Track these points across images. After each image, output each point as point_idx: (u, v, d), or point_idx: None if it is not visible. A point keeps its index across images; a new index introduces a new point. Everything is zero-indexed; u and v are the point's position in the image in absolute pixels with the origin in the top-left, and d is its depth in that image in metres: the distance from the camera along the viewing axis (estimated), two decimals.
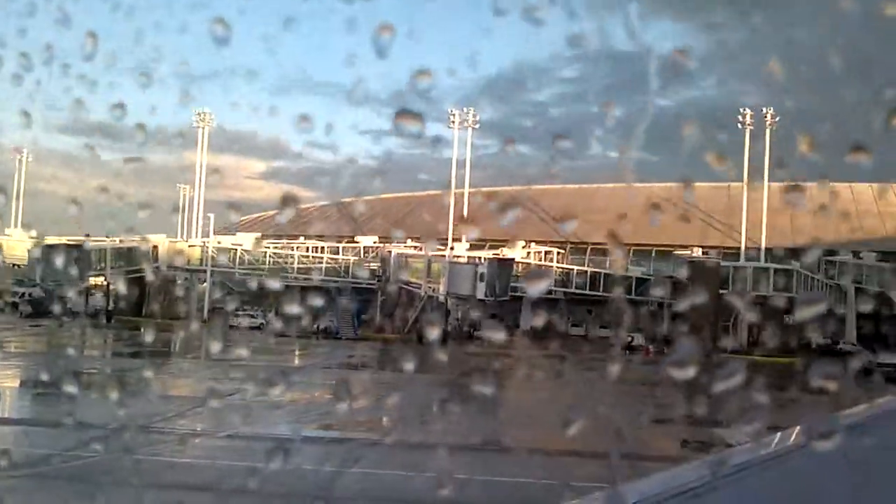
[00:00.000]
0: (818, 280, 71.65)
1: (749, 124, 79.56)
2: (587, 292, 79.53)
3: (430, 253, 74.65)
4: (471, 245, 75.59)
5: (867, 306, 71.57)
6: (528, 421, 29.38)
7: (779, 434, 3.81)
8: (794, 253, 70.18)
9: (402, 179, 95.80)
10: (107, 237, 63.40)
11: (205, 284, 79.81)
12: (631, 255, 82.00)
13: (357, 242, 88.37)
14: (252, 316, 66.37)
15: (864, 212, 77.62)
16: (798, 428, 3.73)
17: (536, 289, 2.42)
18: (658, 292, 75.67)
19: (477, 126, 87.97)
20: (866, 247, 73.42)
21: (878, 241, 73.69)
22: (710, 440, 25.91)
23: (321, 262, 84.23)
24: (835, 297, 71.15)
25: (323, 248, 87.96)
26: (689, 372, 1.89)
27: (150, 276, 75.40)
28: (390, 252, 78.17)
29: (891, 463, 2.74)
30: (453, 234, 70.48)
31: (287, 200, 2.78)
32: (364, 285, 79.14)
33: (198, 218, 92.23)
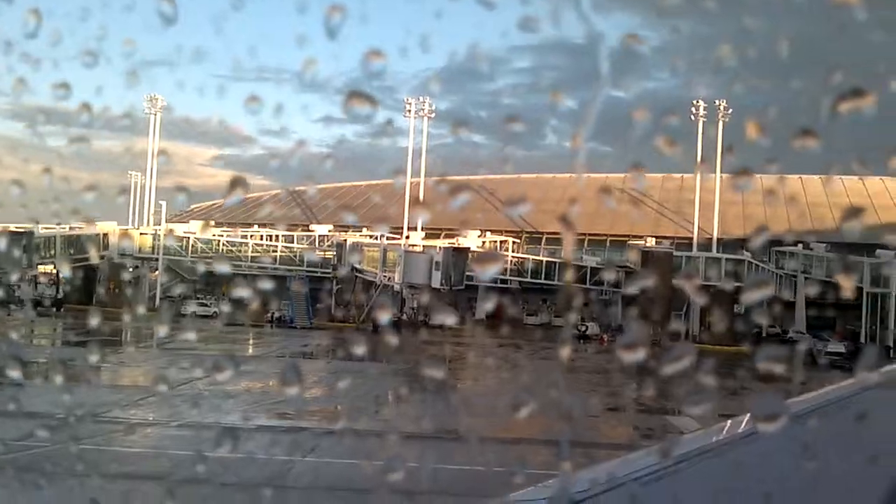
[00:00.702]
0: (769, 270, 72.86)
1: (702, 116, 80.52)
2: (542, 281, 80.00)
3: (386, 242, 74.54)
4: (426, 234, 75.63)
5: (816, 295, 72.98)
6: (480, 409, 29.54)
7: (728, 422, 3.85)
8: (746, 243, 71.37)
9: (358, 168, 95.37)
10: (56, 224, 62.23)
11: (157, 273, 78.79)
12: (585, 244, 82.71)
13: (312, 231, 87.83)
14: (204, 304, 65.56)
15: (813, 203, 79.10)
16: (747, 416, 3.76)
17: (487, 272, 2.35)
18: (612, 281, 76.52)
19: (433, 115, 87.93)
20: (815, 237, 74.83)
21: (828, 233, 75.21)
22: (663, 427, 26.30)
23: (275, 251, 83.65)
24: (785, 286, 72.43)
25: (277, 236, 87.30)
26: (639, 355, 1.89)
27: (100, 264, 74.25)
28: (345, 240, 77.88)
29: (838, 449, 2.78)
30: (409, 223, 70.43)
31: (235, 184, 2.72)
32: (319, 274, 78.76)
33: (149, 205, 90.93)
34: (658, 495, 2.76)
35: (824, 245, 73.63)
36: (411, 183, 78.10)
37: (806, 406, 3.51)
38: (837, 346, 52.99)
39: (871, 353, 2.47)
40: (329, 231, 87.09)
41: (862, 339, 61.86)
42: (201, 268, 72.14)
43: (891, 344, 59.52)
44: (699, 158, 72.53)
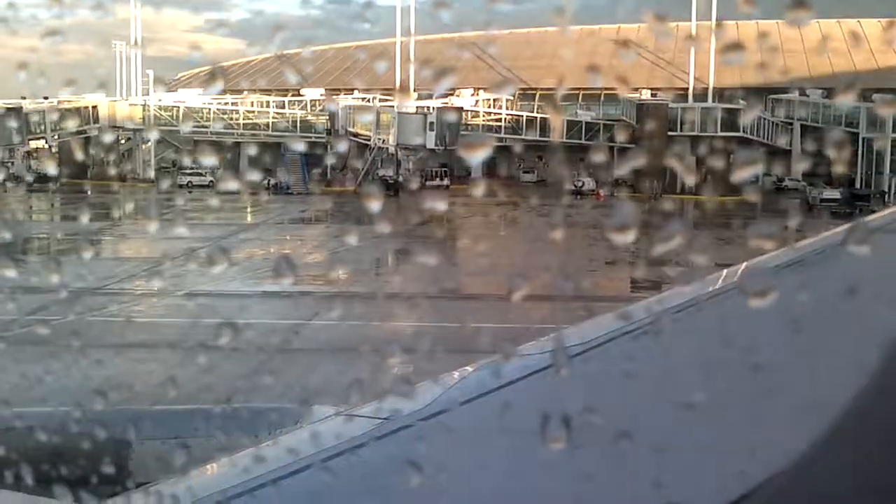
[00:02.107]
0: (765, 119, 72.26)
1: None
2: (538, 138, 79.48)
3: (378, 104, 73.62)
4: (419, 95, 74.59)
5: (812, 144, 72.63)
6: (481, 268, 29.93)
7: (714, 275, 3.92)
8: (743, 92, 70.46)
9: (347, 30, 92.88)
10: (44, 98, 61.22)
11: (149, 144, 78.10)
12: (580, 99, 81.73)
13: (303, 95, 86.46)
14: (199, 174, 65.25)
15: (810, 49, 77.73)
16: (732, 268, 3.83)
17: (474, 157, 2.32)
18: (608, 136, 76.17)
19: None
20: (812, 84, 73.74)
21: (825, 79, 74.12)
22: (659, 278, 26.72)
23: (267, 117, 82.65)
24: (784, 135, 72.08)
25: (268, 102, 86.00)
26: (629, 237, 1.91)
27: (91, 137, 73.54)
28: (338, 104, 76.83)
29: (824, 303, 2.84)
30: (402, 84, 69.29)
31: (214, 75, 2.69)
32: (312, 139, 78.08)
33: (136, 75, 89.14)
34: (648, 349, 2.85)
35: (821, 91, 72.74)
36: (403, 43, 76.41)
37: (793, 256, 3.55)
38: (833, 193, 53.27)
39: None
40: (321, 95, 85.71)
41: (857, 185, 61.99)
42: (194, 137, 71.37)
43: (886, 189, 59.76)
44: (694, 5, 70.84)
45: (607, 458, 2.16)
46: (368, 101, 76.01)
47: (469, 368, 3.15)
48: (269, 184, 68.75)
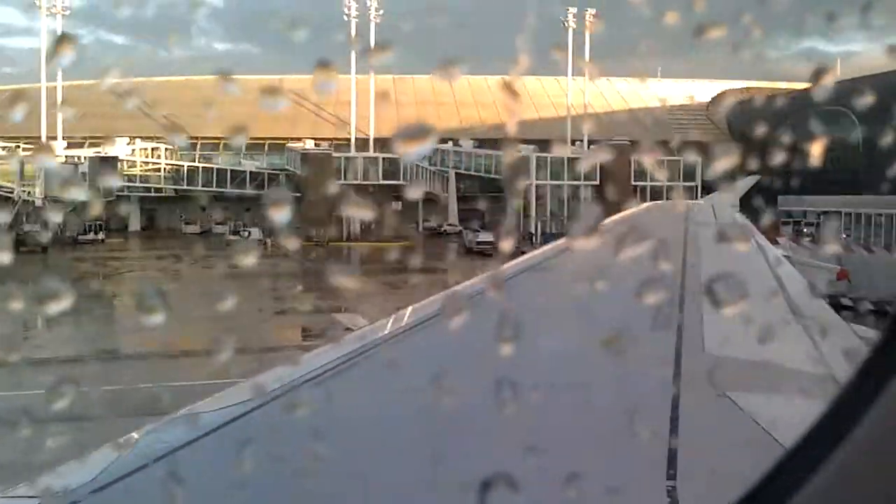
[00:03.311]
0: (423, 167, 76.40)
1: (354, 16, 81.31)
2: (201, 188, 77.72)
3: (22, 153, 67.76)
4: (68, 143, 69.75)
5: (468, 190, 77.64)
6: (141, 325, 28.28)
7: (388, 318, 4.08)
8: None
9: None
10: None
11: None
12: (244, 148, 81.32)
13: None
14: None
15: (461, 102, 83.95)
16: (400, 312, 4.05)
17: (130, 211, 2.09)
18: (274, 185, 76.11)
19: (67, 13, 79.90)
20: (466, 135, 79.30)
21: (476, 130, 79.98)
22: (326, 326, 27.08)
23: None
24: (440, 183, 76.45)
25: None
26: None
27: None
28: None
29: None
30: (48, 133, 64.40)
31: None
32: None
33: None
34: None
35: (472, 142, 78.49)
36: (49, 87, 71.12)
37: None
38: (487, 236, 57.37)
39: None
40: None
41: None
42: None
43: (532, 231, 65.62)
44: (353, 60, 73.39)
45: None
46: (11, 150, 69.58)
47: (135, 434, 2.92)
48: None
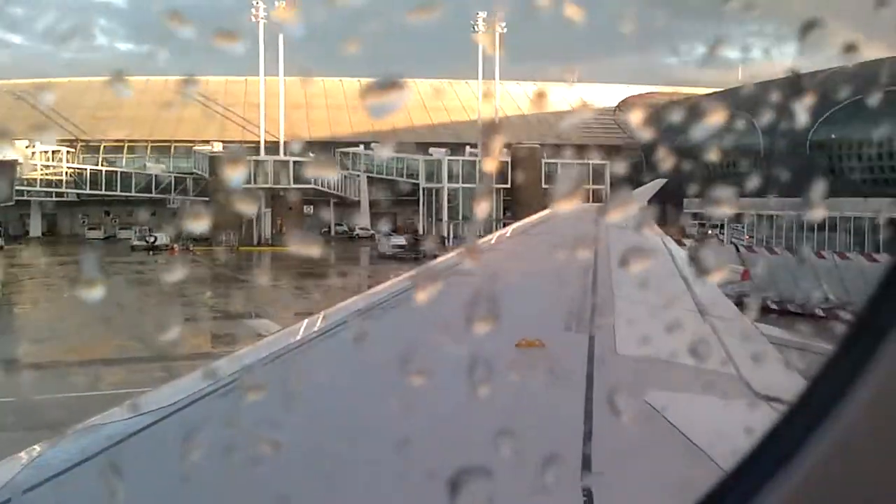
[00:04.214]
0: (337, 171, 75.68)
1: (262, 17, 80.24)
2: (105, 193, 75.58)
3: None
4: None
5: (381, 194, 77.44)
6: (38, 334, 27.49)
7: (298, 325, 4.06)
8: (311, 145, 73.42)
9: None
10: None
11: None
12: (148, 151, 79.58)
13: None
14: None
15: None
16: (312, 318, 4.02)
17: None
18: (183, 189, 74.87)
19: None
20: (377, 139, 79.01)
21: (385, 134, 79.89)
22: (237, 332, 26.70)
23: None
24: (352, 186, 75.97)
25: None
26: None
27: None
28: None
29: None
30: None
31: None
32: None
33: None
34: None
35: (382, 146, 78.11)
36: None
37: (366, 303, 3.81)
38: (399, 240, 57.48)
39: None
40: None
41: (420, 232, 67.44)
42: None
43: (444, 234, 65.87)
44: (261, 64, 72.65)
45: None
46: None
47: (37, 447, 2.80)
48: None
